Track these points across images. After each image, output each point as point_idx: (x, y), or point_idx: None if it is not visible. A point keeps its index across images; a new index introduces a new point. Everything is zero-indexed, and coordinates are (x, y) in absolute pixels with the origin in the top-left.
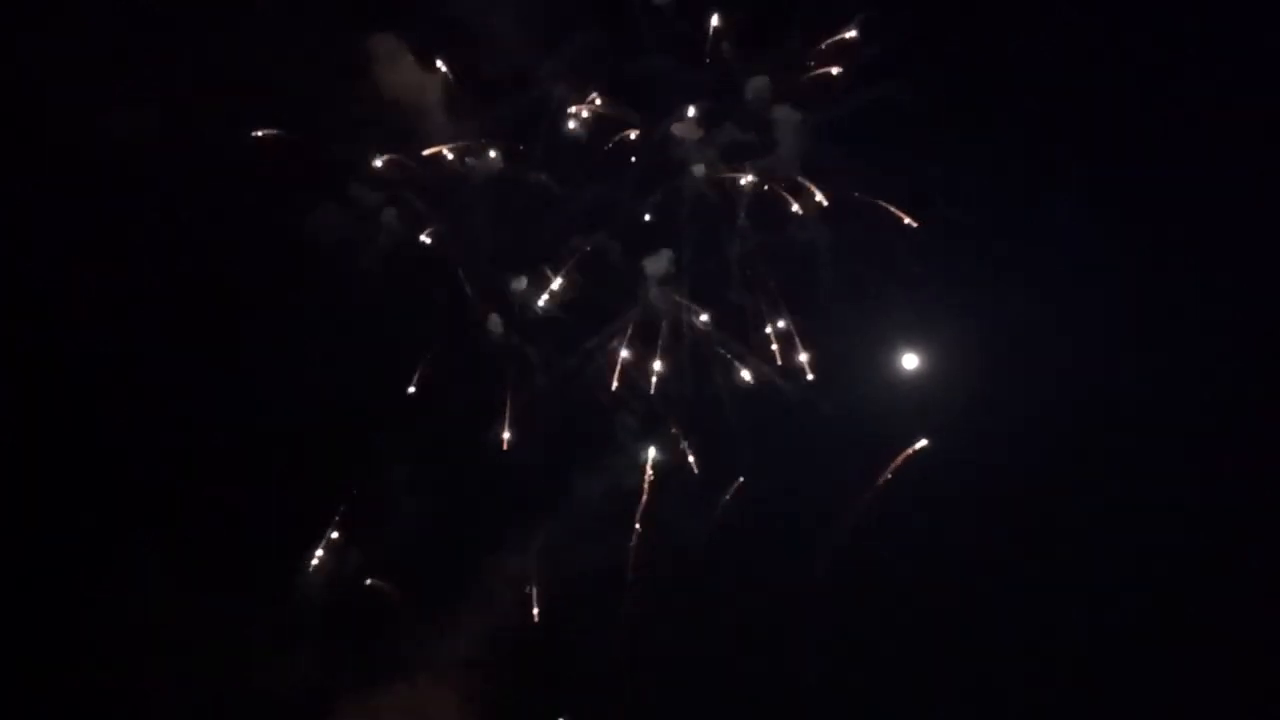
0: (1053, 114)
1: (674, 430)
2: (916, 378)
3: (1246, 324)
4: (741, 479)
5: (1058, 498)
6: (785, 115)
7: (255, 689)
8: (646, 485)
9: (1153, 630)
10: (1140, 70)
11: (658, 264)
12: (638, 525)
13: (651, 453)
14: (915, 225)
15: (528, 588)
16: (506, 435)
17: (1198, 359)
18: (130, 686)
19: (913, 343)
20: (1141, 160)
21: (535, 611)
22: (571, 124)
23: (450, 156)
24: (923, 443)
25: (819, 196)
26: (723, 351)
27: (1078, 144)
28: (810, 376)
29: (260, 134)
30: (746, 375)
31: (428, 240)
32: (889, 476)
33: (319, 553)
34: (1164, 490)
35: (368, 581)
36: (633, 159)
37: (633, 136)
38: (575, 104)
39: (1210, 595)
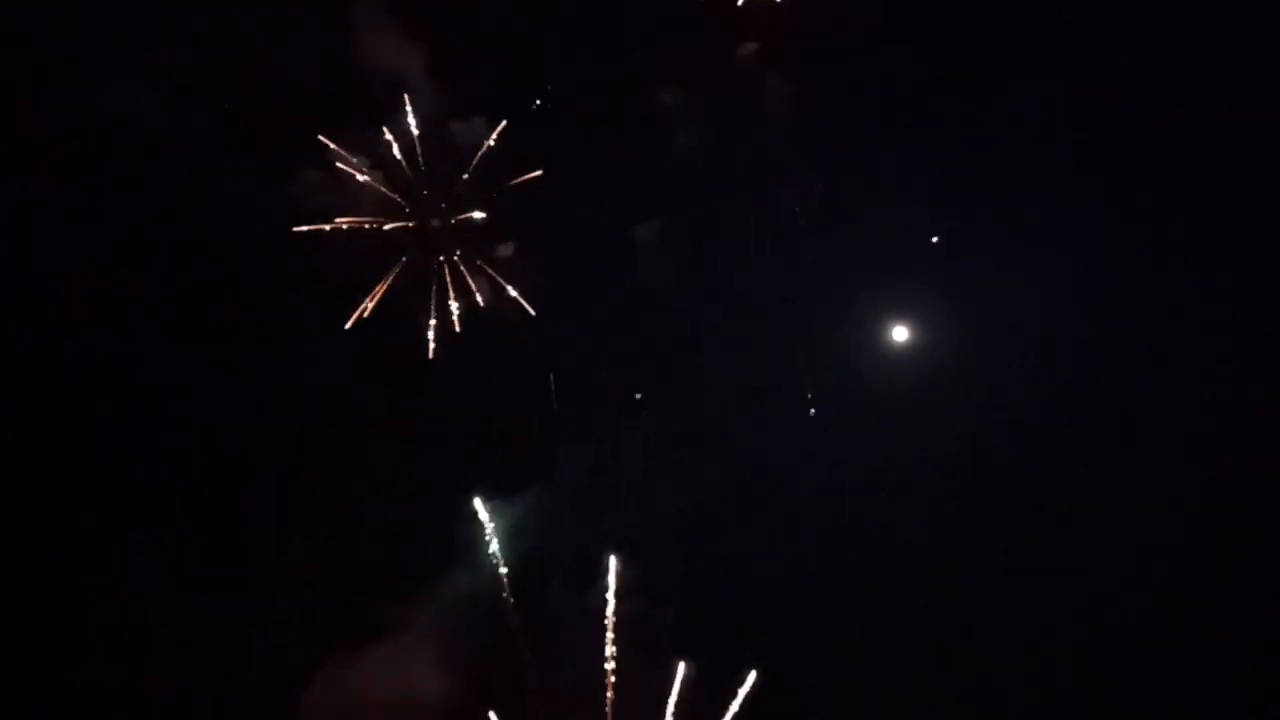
0: (1052, 100)
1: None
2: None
3: (1246, 324)
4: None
5: (1057, 497)
6: (776, 84)
7: (241, 656)
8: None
9: (1153, 630)
10: (1140, 70)
11: (648, 232)
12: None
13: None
14: (911, 204)
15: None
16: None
17: (1198, 359)
18: (111, 661)
19: (906, 321)
20: (1141, 160)
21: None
22: (560, 92)
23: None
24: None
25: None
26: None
27: (1076, 137)
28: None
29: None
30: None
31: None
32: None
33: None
34: (1164, 490)
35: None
36: (622, 126)
37: (621, 105)
38: (563, 71)
39: (1210, 595)
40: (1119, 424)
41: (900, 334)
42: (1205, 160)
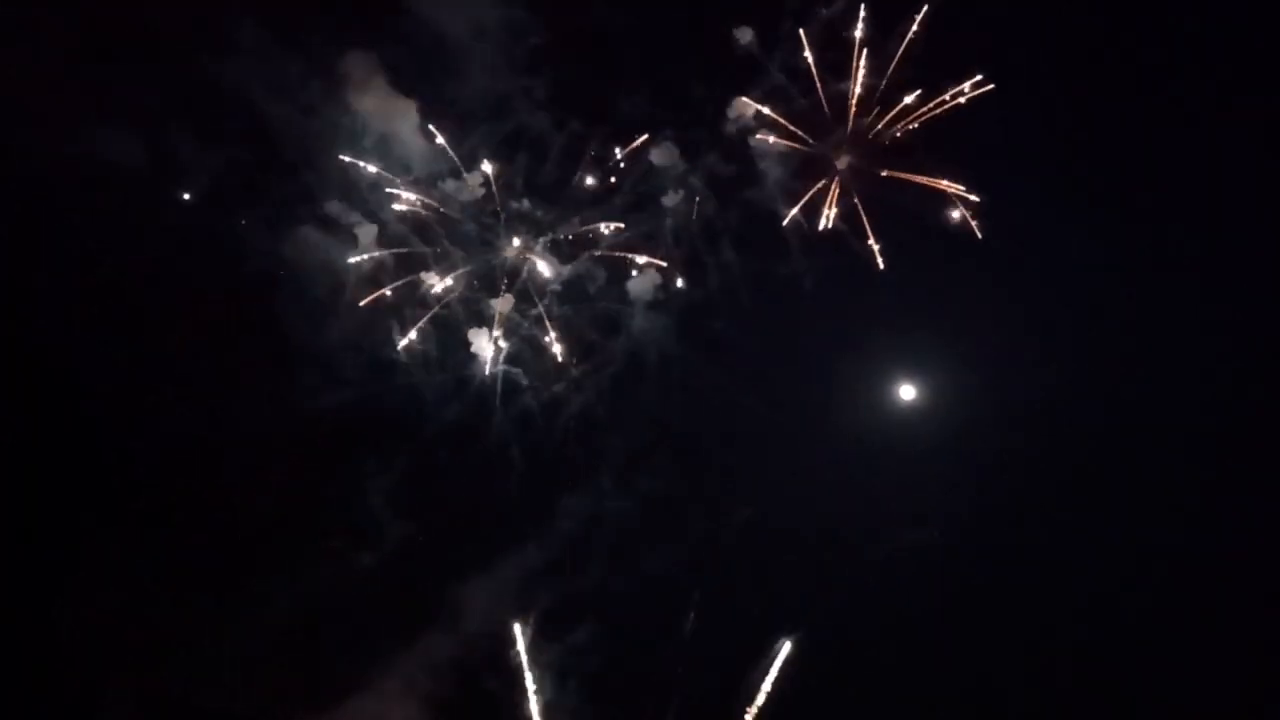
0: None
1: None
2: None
3: (1246, 325)
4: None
5: (1057, 502)
6: (766, 145)
7: (224, 696)
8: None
9: (1152, 630)
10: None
11: (642, 288)
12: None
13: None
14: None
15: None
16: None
17: (1197, 365)
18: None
19: (910, 366)
20: (1141, 162)
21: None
22: (553, 151)
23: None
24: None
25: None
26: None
27: (1075, 152)
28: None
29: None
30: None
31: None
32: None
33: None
34: (1164, 497)
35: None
36: (614, 186)
37: (614, 164)
38: (557, 132)
39: (1210, 595)
40: (1119, 428)
41: (905, 389)
42: (1205, 160)
